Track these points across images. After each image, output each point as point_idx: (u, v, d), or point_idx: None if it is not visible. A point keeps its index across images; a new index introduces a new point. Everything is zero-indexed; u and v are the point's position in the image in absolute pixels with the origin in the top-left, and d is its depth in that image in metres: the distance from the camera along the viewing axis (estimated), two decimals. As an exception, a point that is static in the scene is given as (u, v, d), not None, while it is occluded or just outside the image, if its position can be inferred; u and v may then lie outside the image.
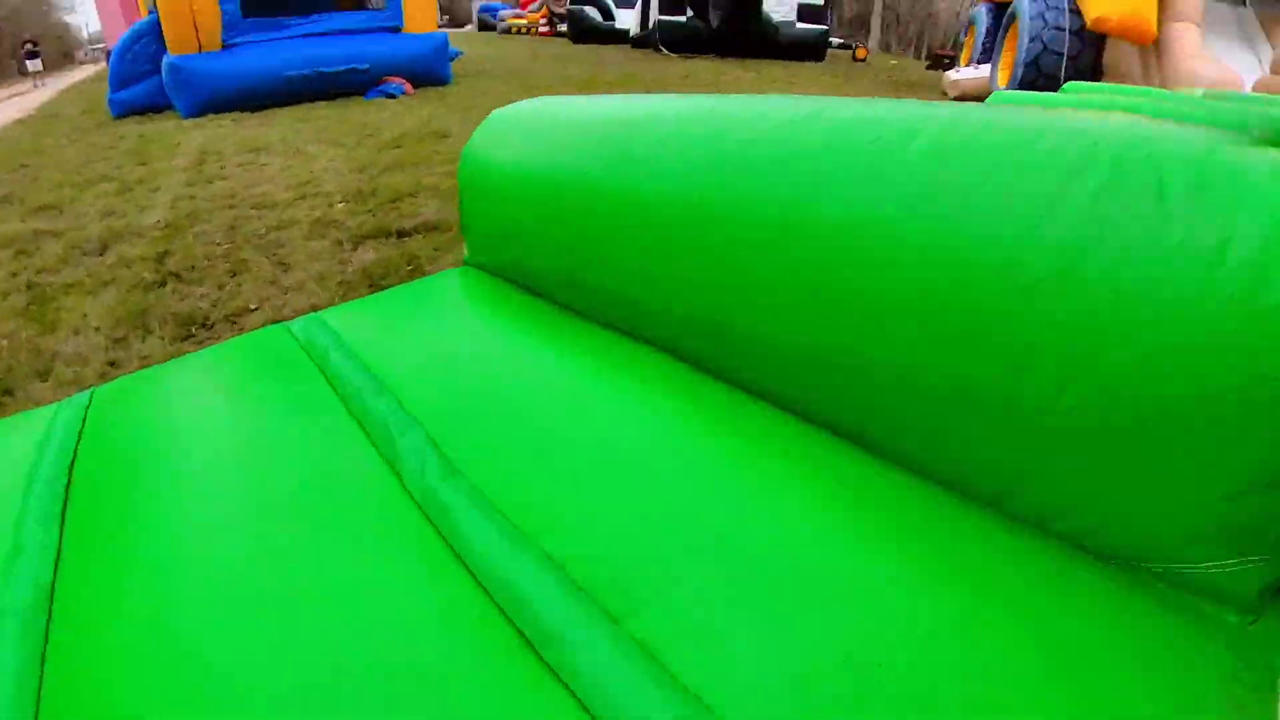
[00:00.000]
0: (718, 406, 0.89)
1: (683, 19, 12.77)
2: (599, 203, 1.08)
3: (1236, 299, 0.54)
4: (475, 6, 31.06)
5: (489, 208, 1.38)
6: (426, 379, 1.01)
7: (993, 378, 0.66)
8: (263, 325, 2.45)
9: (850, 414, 0.81)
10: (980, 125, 0.74)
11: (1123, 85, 5.20)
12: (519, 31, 24.18)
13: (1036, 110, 0.75)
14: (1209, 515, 0.59)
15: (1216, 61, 6.33)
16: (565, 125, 1.26)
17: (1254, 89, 5.63)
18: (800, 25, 13.26)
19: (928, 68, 16.95)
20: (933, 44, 29.85)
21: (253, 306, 2.65)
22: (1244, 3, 6.77)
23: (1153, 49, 6.61)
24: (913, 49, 31.31)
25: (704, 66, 10.74)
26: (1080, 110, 0.79)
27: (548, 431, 0.86)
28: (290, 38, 7.79)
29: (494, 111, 1.47)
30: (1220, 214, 0.57)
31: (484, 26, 27.84)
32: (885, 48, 30.12)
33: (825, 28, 13.78)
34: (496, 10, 28.60)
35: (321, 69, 7.74)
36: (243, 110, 7.35)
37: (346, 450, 0.87)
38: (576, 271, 1.15)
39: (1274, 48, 6.92)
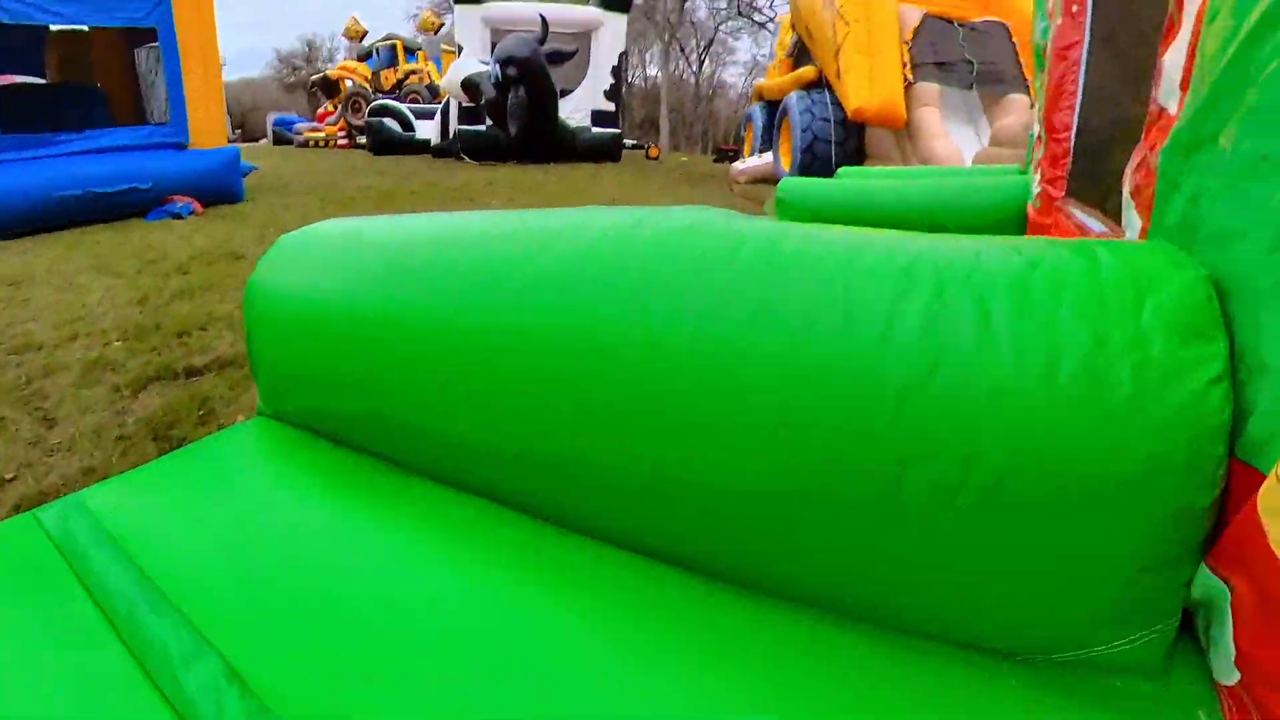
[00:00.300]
0: (572, 567, 0.77)
1: (482, 128, 13.05)
2: (408, 333, 0.95)
3: (1075, 408, 0.55)
4: (270, 120, 29.94)
5: (282, 347, 1.19)
6: (221, 579, 0.81)
7: (865, 493, 0.62)
8: (18, 503, 2.04)
9: (709, 548, 0.73)
10: (803, 241, 0.72)
11: (883, 168, 5.94)
12: (317, 144, 23.54)
13: (844, 230, 0.74)
14: (1110, 600, 0.58)
15: (947, 139, 7.43)
16: (364, 248, 1.13)
17: (974, 160, 6.62)
18: (595, 129, 14.04)
19: (715, 160, 18.54)
20: (716, 140, 32.76)
21: (9, 476, 2.21)
22: (970, 87, 8.04)
23: (904, 131, 7.65)
24: (700, 146, 34.10)
25: (506, 173, 10.95)
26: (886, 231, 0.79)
27: (379, 639, 0.70)
28: (59, 155, 6.98)
29: (282, 237, 1.31)
30: (1044, 332, 0.57)
31: (280, 140, 26.83)
32: (675, 146, 32.59)
33: (618, 130, 14.65)
34: (292, 123, 27.68)
35: (95, 189, 6.96)
36: (1, 238, 6.42)
37: (113, 698, 0.66)
38: (386, 414, 1.00)
39: (991, 124, 8.25)
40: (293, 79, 45.12)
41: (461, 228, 1.05)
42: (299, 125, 26.63)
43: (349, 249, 1.16)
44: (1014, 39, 8.64)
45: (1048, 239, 0.71)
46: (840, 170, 4.55)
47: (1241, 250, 0.59)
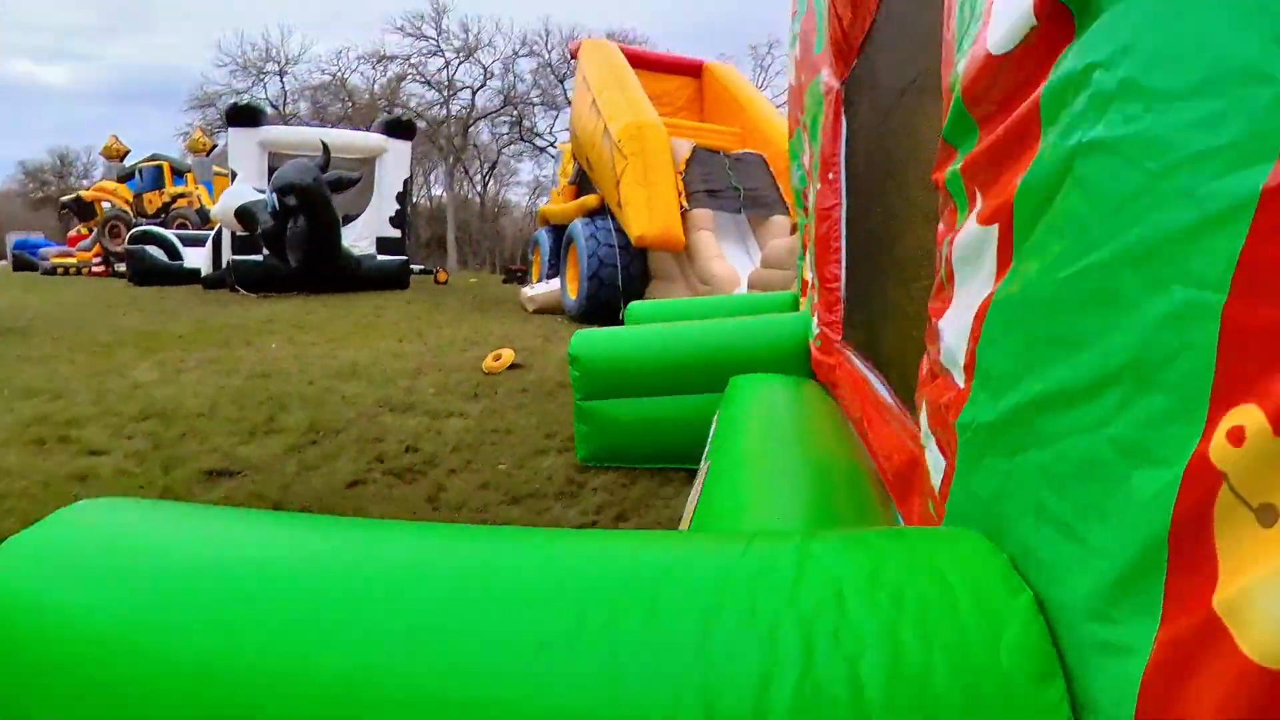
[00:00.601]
0: None
1: (259, 258, 12.14)
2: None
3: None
4: (10, 241, 25.66)
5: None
6: None
7: None
8: None
9: None
10: (648, 614, 0.65)
11: (670, 300, 6.32)
12: (67, 272, 20.58)
13: (688, 572, 0.69)
14: None
15: (723, 259, 8.11)
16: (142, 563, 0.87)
17: (749, 280, 7.23)
18: (381, 257, 13.62)
19: (504, 281, 18.71)
20: (504, 258, 33.41)
21: None
22: (739, 211, 8.89)
23: (684, 254, 8.23)
24: (487, 264, 34.54)
25: (287, 306, 10.22)
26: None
27: None
28: None
29: (10, 541, 0.99)
30: (919, 700, 0.54)
31: (21, 265, 23.08)
32: (463, 263, 32.73)
33: (405, 258, 14.33)
34: (38, 246, 24.08)
35: None
36: None
37: None
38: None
39: (761, 244, 9.15)
40: (40, 195, 39.71)
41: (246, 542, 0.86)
42: (46, 249, 23.27)
43: (120, 560, 0.89)
44: (770, 167, 9.77)
45: (880, 532, 0.72)
46: (630, 308, 4.71)
47: (1062, 588, 0.61)
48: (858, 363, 2.36)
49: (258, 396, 4.49)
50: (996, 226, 0.83)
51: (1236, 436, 0.47)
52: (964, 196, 0.96)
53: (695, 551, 0.75)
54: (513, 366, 5.55)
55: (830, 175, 2.77)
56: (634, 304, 4.64)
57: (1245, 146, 0.48)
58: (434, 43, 30.92)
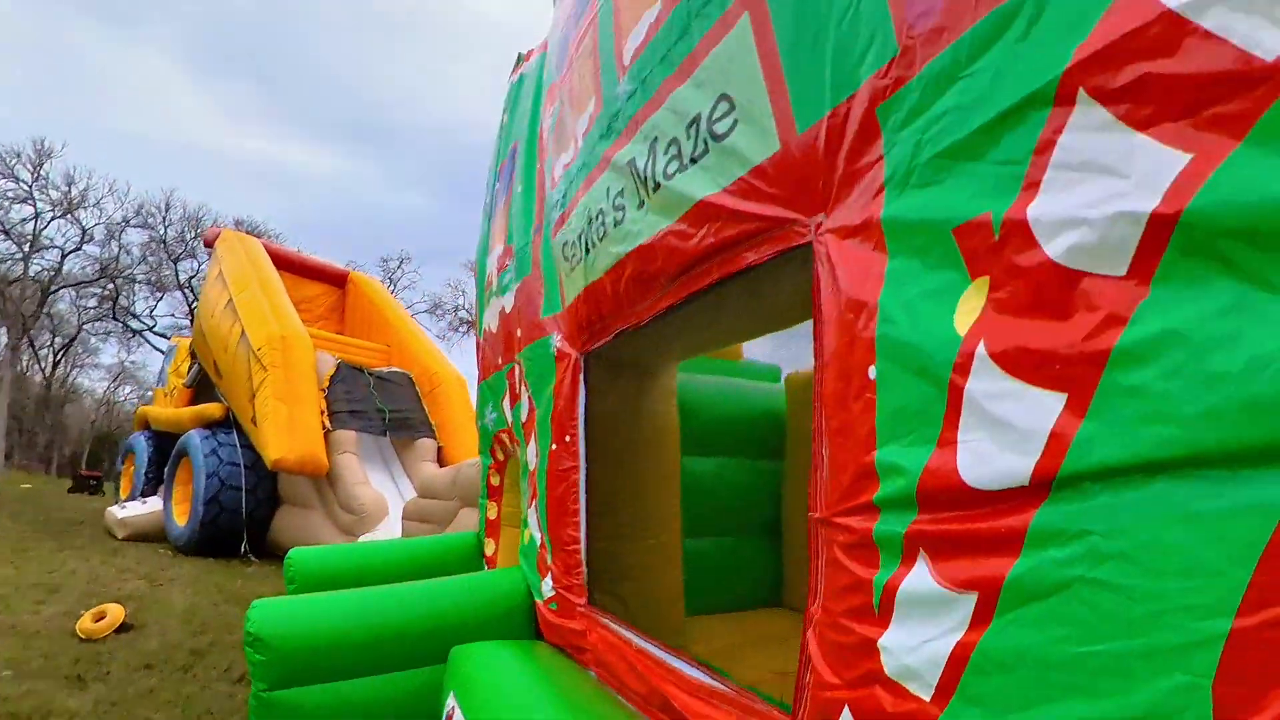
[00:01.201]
0: None
1: None
2: None
3: None
4: None
5: None
6: None
7: None
8: None
9: None
10: None
11: (338, 545, 5.58)
12: None
13: None
14: None
15: (370, 485, 7.56)
16: None
17: (405, 511, 6.76)
18: None
19: (70, 490, 14.55)
20: (67, 457, 26.50)
21: None
22: (384, 433, 8.45)
23: (324, 479, 7.45)
24: (46, 464, 27.08)
25: None
26: None
27: None
28: None
29: None
30: None
31: None
32: (8, 456, 25.04)
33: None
34: None
35: None
36: None
37: None
38: None
39: (405, 467, 8.76)
40: None
41: None
42: None
43: None
44: (415, 387, 9.67)
45: None
46: (291, 557, 3.96)
47: None
48: (615, 627, 2.33)
49: None
50: (975, 594, 0.95)
51: None
52: (898, 550, 1.09)
53: None
54: (122, 629, 4.17)
55: (567, 438, 2.85)
56: (296, 551, 3.95)
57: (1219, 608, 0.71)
58: (25, 187, 25.62)
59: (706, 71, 1.71)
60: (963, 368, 1.02)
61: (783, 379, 4.21)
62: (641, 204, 2.08)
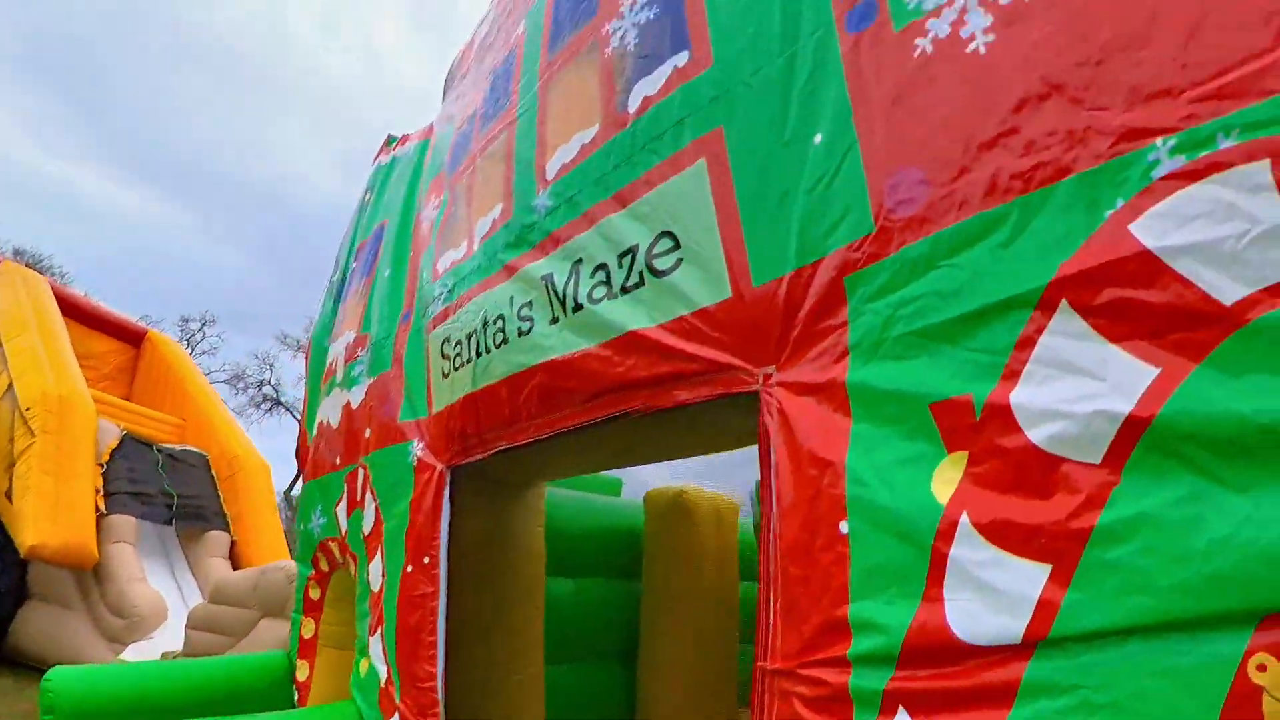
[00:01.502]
0: None
1: None
2: None
3: None
4: None
5: None
6: None
7: None
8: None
9: None
10: None
11: (107, 665, 4.58)
12: None
13: None
14: None
15: (147, 583, 6.46)
16: None
17: (191, 618, 5.66)
18: None
19: None
20: None
21: None
22: (169, 522, 7.30)
23: (91, 571, 6.27)
24: None
25: None
26: None
27: None
28: None
29: None
30: None
31: None
32: None
33: None
34: None
35: None
36: None
37: None
38: None
39: (190, 563, 7.60)
40: None
41: None
42: None
43: None
44: (211, 470, 8.58)
45: None
46: (51, 680, 3.22)
47: None
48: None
49: None
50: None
51: None
52: (876, 705, 1.07)
53: None
54: None
55: (426, 560, 2.59)
56: (57, 672, 3.22)
57: None
58: None
59: (649, 205, 1.72)
60: (946, 535, 1.06)
61: (640, 495, 4.13)
62: (555, 319, 2.01)
